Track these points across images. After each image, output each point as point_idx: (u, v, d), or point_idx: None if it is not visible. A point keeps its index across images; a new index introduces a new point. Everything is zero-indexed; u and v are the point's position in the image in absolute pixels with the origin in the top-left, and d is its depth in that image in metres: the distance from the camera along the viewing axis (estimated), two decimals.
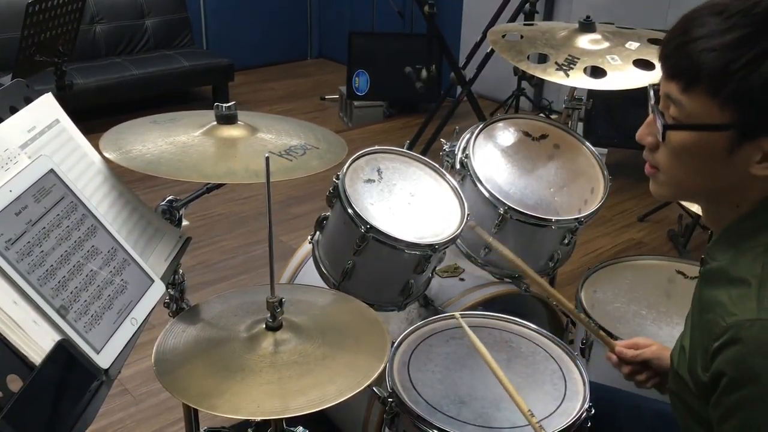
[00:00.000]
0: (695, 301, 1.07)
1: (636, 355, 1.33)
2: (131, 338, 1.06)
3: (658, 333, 1.68)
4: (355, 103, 4.73)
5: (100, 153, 1.25)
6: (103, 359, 1.00)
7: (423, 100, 4.85)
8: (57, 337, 0.95)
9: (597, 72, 1.84)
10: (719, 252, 1.01)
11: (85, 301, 1.01)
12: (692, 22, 0.92)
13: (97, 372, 0.99)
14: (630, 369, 1.34)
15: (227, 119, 1.35)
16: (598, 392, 1.40)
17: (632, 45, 1.89)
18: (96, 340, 1.00)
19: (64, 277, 1.00)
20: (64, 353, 0.94)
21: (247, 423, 1.44)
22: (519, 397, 1.22)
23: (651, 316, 1.74)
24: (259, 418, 1.37)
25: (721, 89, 0.88)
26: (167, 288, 1.36)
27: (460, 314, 1.56)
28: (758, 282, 0.91)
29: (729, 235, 1.00)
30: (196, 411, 1.63)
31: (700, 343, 0.97)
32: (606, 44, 1.90)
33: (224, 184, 1.38)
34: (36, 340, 0.91)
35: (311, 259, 1.76)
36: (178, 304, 1.43)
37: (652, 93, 1.01)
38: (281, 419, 1.36)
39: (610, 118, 3.65)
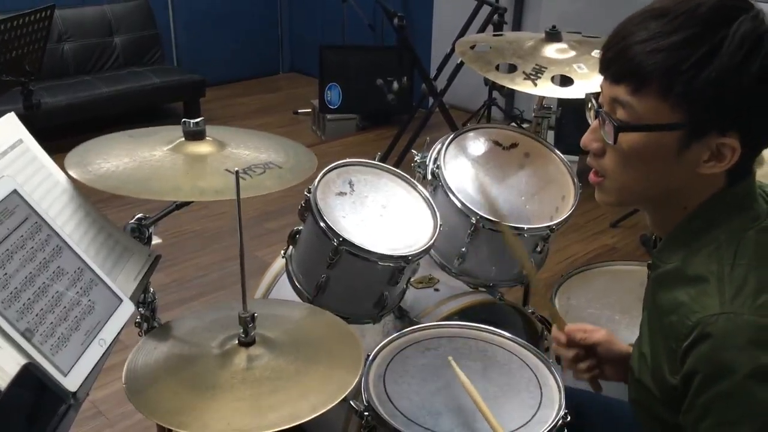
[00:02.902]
0: (650, 306, 1.07)
1: (584, 337, 1.28)
2: (99, 360, 1.04)
3: (632, 338, 1.68)
4: (328, 116, 4.73)
5: (66, 172, 1.23)
6: (71, 382, 0.98)
7: (395, 112, 4.86)
8: (22, 361, 0.92)
9: (565, 81, 1.86)
10: (670, 254, 1.02)
11: (51, 323, 0.99)
12: (634, 27, 0.93)
13: (65, 395, 0.97)
14: (575, 353, 1.29)
15: (195, 135, 1.34)
16: (573, 397, 1.40)
17: (598, 53, 1.91)
18: (63, 362, 0.98)
19: (29, 299, 0.98)
20: (30, 377, 0.92)
21: None
22: (496, 423, 1.22)
23: (625, 321, 1.76)
24: None
25: (671, 89, 0.90)
26: (138, 307, 1.34)
27: (441, 334, 1.56)
28: (716, 278, 0.92)
29: (678, 237, 1.01)
30: None
31: (664, 347, 0.98)
32: (572, 53, 1.93)
33: (193, 201, 1.37)
34: (0, 365, 0.89)
35: (285, 273, 1.75)
36: (149, 323, 1.41)
37: (593, 100, 1.02)
38: None
39: (579, 126, 3.67)
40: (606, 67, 0.97)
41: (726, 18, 0.88)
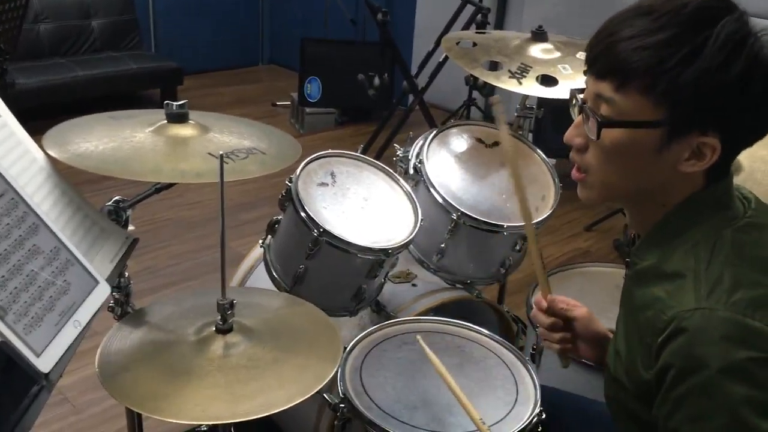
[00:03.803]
0: (626, 303, 1.09)
1: (566, 309, 1.27)
2: (74, 341, 1.02)
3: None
4: (307, 109, 4.70)
5: (44, 151, 1.20)
6: (44, 363, 0.95)
7: (375, 108, 4.85)
8: None
9: (549, 81, 1.87)
10: (647, 251, 1.03)
11: (25, 302, 0.97)
12: (620, 25, 0.94)
13: (37, 376, 0.94)
14: (552, 321, 1.27)
15: (178, 117, 1.32)
16: (547, 396, 1.40)
17: (583, 55, 1.92)
18: (36, 343, 0.96)
19: (2, 276, 0.95)
20: (2, 356, 0.90)
21: None
22: (470, 405, 1.21)
23: (601, 321, 1.76)
24: (204, 424, 1.33)
25: (655, 86, 0.91)
26: (112, 291, 1.32)
27: (419, 329, 1.56)
28: (693, 274, 0.94)
29: (656, 234, 1.03)
30: (140, 420, 1.57)
31: (639, 343, 0.99)
32: (558, 54, 1.93)
33: (173, 184, 1.35)
34: None
35: (262, 263, 1.73)
36: (123, 308, 1.38)
37: (577, 96, 1.03)
38: (229, 425, 1.33)
39: (558, 129, 3.70)
40: (591, 63, 0.99)
41: (710, 19, 0.90)
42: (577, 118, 1.03)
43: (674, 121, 0.92)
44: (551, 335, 1.29)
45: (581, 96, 1.02)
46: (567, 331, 1.29)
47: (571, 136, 1.03)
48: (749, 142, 0.97)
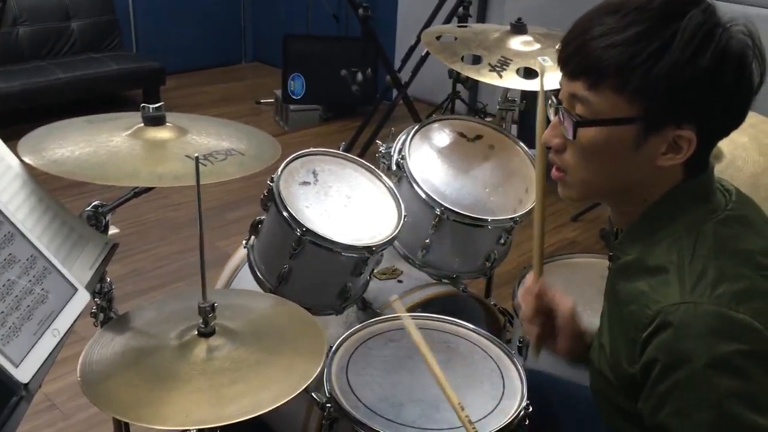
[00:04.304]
0: (610, 297, 1.09)
1: (554, 299, 1.24)
2: (53, 350, 1.01)
3: (593, 329, 1.70)
4: (291, 106, 4.68)
5: (19, 157, 1.19)
6: (23, 373, 0.95)
7: (359, 104, 4.84)
8: None
9: (530, 73, 1.87)
10: (630, 246, 1.03)
11: (2, 312, 0.96)
12: (590, 23, 0.95)
13: (16, 387, 0.93)
14: (533, 310, 1.24)
15: (154, 120, 1.31)
16: (533, 379, 1.40)
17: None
18: (14, 353, 0.95)
19: None
20: None
21: None
22: (451, 391, 1.19)
23: (586, 313, 1.75)
24: (192, 429, 1.33)
25: (628, 83, 0.91)
26: (93, 297, 1.31)
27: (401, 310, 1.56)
28: (676, 268, 0.94)
29: (638, 229, 1.03)
30: (127, 426, 1.57)
31: (623, 337, 0.99)
32: (538, 46, 1.93)
33: (152, 188, 1.33)
34: None
35: (247, 264, 1.72)
36: (105, 313, 1.37)
37: (553, 97, 1.03)
38: (214, 429, 1.32)
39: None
40: (564, 64, 0.99)
41: (677, 12, 0.90)
42: (554, 119, 1.03)
43: (648, 116, 0.93)
44: (532, 321, 1.25)
45: (556, 97, 1.02)
46: (548, 321, 1.26)
47: (549, 137, 1.03)
48: (725, 132, 0.98)
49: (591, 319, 1.73)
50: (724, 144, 1.20)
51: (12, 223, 1.03)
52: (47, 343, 1.01)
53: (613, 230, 1.18)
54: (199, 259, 1.15)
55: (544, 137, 1.04)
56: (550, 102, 1.04)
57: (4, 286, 0.98)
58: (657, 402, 0.93)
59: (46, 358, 0.99)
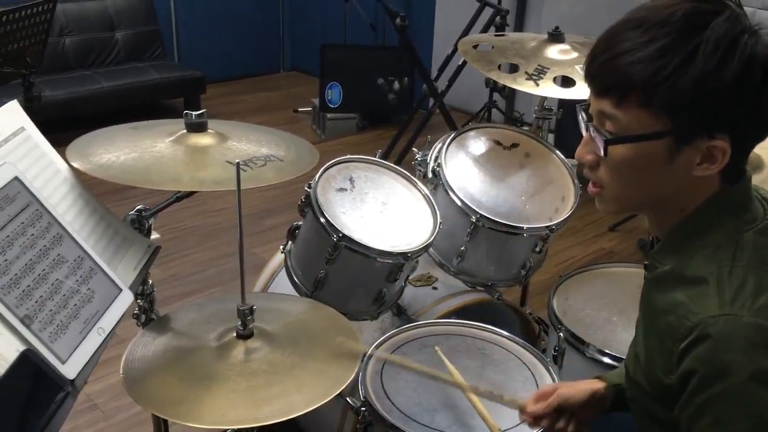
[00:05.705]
0: (645, 307, 1.08)
1: (546, 406, 1.25)
2: (98, 348, 1.04)
3: (629, 339, 1.69)
4: (328, 115, 4.73)
5: (67, 162, 1.23)
6: (69, 370, 0.98)
7: (396, 112, 4.86)
8: (21, 347, 0.92)
9: (567, 82, 1.86)
10: (666, 256, 1.02)
11: (51, 310, 0.99)
12: (614, 39, 0.94)
13: (63, 383, 0.96)
14: (548, 421, 1.25)
15: (197, 127, 1.34)
16: None
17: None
18: (61, 350, 0.98)
19: (28, 286, 0.97)
20: (29, 363, 0.92)
21: None
22: (488, 415, 1.21)
23: (622, 323, 1.76)
24: (228, 429, 1.35)
25: (653, 98, 0.90)
26: (136, 298, 1.34)
27: (439, 332, 1.56)
28: (715, 279, 0.93)
29: (675, 239, 1.02)
30: (166, 425, 1.60)
31: (659, 347, 0.98)
32: (575, 54, 1.93)
33: (194, 192, 1.37)
34: None
35: (284, 269, 1.74)
36: (147, 315, 1.41)
37: (582, 113, 1.02)
38: (250, 429, 1.35)
39: (580, 129, 3.68)
40: (590, 81, 0.98)
41: (699, 24, 0.89)
42: (586, 135, 1.02)
43: (679, 129, 0.92)
44: (557, 427, 1.25)
45: (586, 113, 1.02)
46: (562, 416, 1.26)
47: (582, 153, 1.03)
48: (759, 138, 0.96)
49: (628, 329, 1.72)
50: (764, 154, 1.19)
51: (61, 225, 1.07)
52: (93, 341, 1.04)
53: (651, 240, 1.18)
54: (236, 265, 1.18)
55: (577, 154, 1.04)
56: (581, 117, 1.04)
57: (52, 285, 1.01)
58: (695, 411, 0.92)
59: (92, 356, 1.03)
